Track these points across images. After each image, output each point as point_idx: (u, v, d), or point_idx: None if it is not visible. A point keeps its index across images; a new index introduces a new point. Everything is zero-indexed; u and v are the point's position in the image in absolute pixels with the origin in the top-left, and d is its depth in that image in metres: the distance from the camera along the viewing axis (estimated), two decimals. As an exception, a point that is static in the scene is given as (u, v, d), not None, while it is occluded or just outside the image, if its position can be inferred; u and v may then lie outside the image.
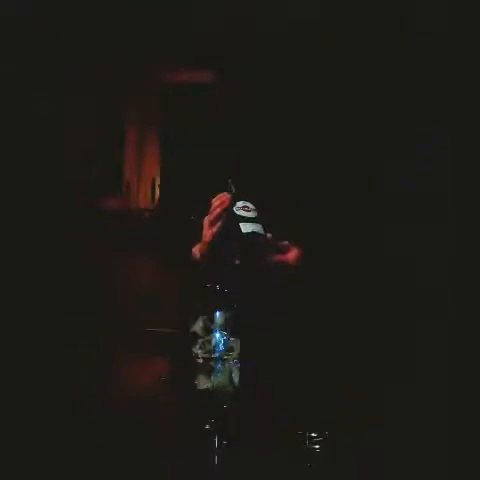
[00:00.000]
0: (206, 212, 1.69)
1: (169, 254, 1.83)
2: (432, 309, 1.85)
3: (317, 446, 1.44)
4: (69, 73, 2.91)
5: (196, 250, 1.73)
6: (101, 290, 2.99)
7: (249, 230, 1.62)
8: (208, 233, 1.68)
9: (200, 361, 1.44)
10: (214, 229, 1.66)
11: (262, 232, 1.62)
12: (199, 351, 1.44)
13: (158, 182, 3.14)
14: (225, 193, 1.65)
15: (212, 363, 1.43)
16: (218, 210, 1.65)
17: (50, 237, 2.74)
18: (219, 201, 1.66)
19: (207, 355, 1.44)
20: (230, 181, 1.67)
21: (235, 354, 1.45)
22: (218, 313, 1.45)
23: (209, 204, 1.69)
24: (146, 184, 3.21)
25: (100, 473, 1.54)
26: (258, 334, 1.58)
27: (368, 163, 1.76)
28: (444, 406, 1.71)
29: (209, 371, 1.43)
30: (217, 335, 1.45)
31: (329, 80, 1.77)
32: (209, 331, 1.45)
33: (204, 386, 1.43)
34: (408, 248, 1.85)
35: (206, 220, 1.69)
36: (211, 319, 1.45)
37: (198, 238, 1.72)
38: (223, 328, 1.45)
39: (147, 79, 3.20)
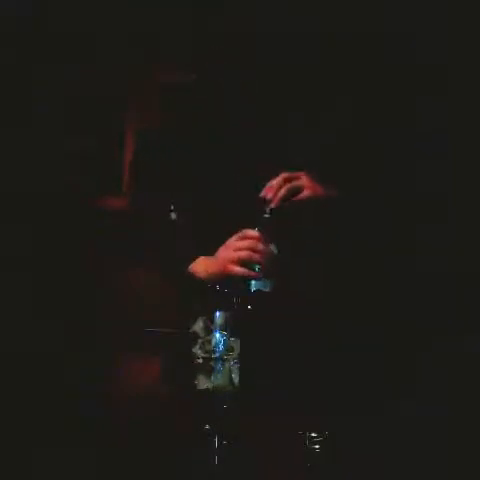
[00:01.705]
0: (207, 215, 1.67)
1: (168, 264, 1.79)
2: (433, 309, 1.85)
3: (317, 446, 1.44)
4: (69, 73, 2.91)
5: (200, 268, 1.66)
6: (101, 290, 2.98)
7: (254, 288, 1.57)
8: (231, 268, 1.56)
9: (200, 361, 1.44)
10: (238, 270, 1.57)
11: (267, 289, 1.57)
12: (199, 351, 1.44)
13: (158, 182, 3.13)
14: (258, 236, 1.57)
15: (212, 363, 1.43)
16: (256, 257, 1.55)
17: (50, 237, 2.74)
18: (255, 246, 1.55)
19: (207, 355, 1.44)
20: (268, 209, 1.58)
21: (235, 354, 1.45)
22: (218, 313, 1.45)
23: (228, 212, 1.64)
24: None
25: (100, 473, 1.54)
26: (258, 334, 1.58)
27: (369, 163, 1.76)
28: (445, 406, 1.71)
29: (209, 371, 1.43)
30: (217, 335, 1.45)
31: (329, 80, 1.77)
32: (209, 331, 1.45)
33: (204, 386, 1.43)
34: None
35: (232, 248, 1.58)
36: (211, 319, 1.45)
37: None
38: (223, 328, 1.45)
39: (147, 79, 3.20)
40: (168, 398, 1.90)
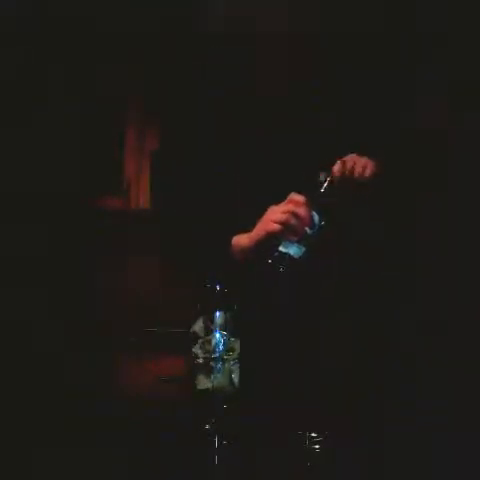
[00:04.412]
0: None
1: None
2: (433, 311, 1.85)
3: (317, 446, 1.44)
4: (69, 73, 2.91)
5: (243, 237, 1.66)
6: (101, 290, 2.99)
7: (284, 250, 1.57)
8: (272, 226, 1.58)
9: (200, 361, 1.44)
10: (277, 228, 1.58)
11: (297, 256, 1.56)
12: (199, 351, 1.44)
13: (158, 182, 3.13)
14: (302, 201, 1.59)
15: (212, 363, 1.43)
16: (294, 220, 1.56)
17: (50, 237, 2.74)
18: (302, 211, 1.57)
19: (207, 355, 1.44)
20: (325, 177, 1.58)
21: (235, 354, 1.45)
22: (218, 313, 1.45)
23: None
24: (146, 184, 3.21)
25: (100, 473, 1.54)
26: (258, 334, 1.58)
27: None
28: (445, 407, 1.71)
29: (209, 371, 1.43)
30: (217, 335, 1.44)
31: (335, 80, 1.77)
32: (209, 331, 1.45)
33: (204, 386, 1.43)
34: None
35: (277, 209, 1.59)
36: (211, 319, 1.45)
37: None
38: (223, 328, 1.45)
39: (147, 79, 3.20)
40: (168, 398, 1.90)
